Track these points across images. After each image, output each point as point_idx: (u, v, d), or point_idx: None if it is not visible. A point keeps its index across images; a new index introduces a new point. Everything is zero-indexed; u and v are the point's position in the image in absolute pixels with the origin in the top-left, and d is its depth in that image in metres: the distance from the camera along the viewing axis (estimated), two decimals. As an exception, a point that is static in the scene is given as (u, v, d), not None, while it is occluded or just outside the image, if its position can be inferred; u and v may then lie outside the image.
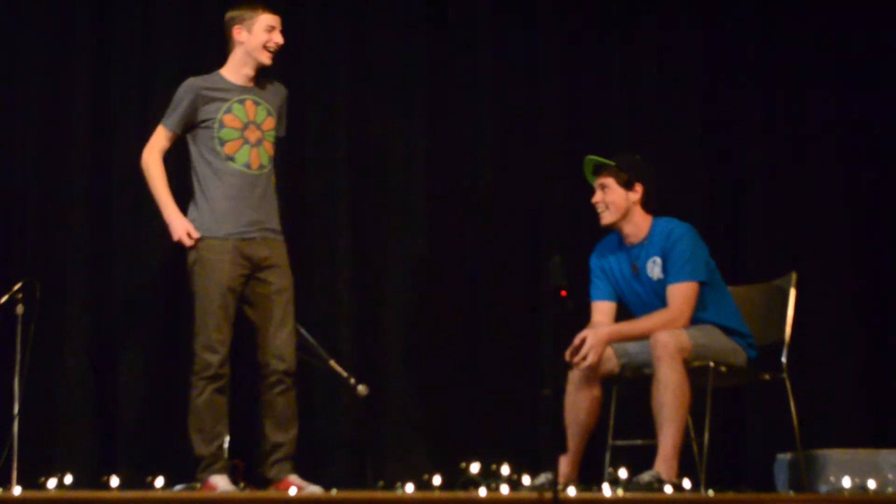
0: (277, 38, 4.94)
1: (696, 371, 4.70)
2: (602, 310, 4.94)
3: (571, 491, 4.23)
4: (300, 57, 5.25)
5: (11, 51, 5.84)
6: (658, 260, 4.83)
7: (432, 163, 6.02)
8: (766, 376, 4.97)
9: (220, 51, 5.88)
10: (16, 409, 4.82)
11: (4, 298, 4.87)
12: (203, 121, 4.89)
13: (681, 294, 4.77)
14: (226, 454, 4.86)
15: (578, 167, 5.00)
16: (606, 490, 4.29)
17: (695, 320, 4.79)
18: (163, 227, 5.76)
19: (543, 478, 4.57)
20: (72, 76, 5.86)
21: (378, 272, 5.92)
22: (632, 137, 6.05)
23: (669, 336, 4.64)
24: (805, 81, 6.20)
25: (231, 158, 4.86)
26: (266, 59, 4.94)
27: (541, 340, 5.90)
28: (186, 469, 5.32)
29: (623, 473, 4.50)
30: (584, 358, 4.68)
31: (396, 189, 5.99)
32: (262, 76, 5.00)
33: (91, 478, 5.24)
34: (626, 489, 4.38)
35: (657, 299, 4.83)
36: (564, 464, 4.75)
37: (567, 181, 5.90)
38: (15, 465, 4.79)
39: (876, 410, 5.92)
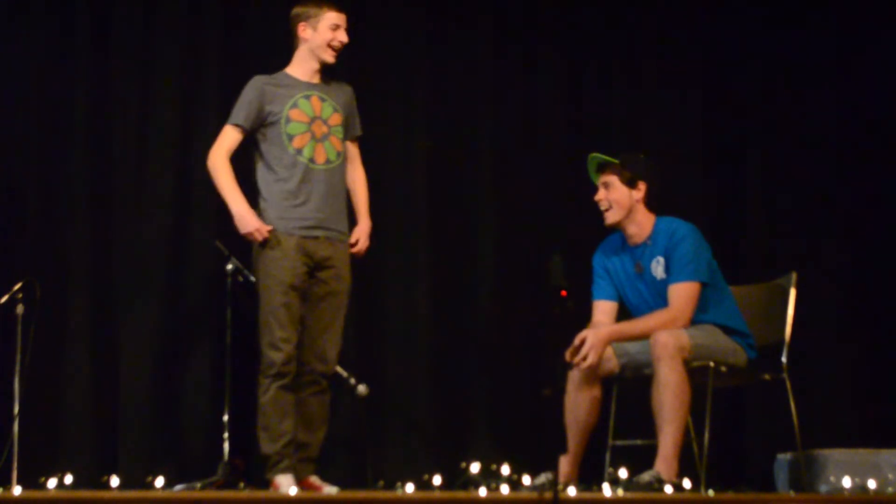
0: (341, 37, 4.92)
1: (696, 371, 4.70)
2: (603, 309, 4.94)
3: (571, 491, 4.23)
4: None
5: (12, 50, 5.83)
6: (662, 260, 4.82)
7: (432, 163, 6.02)
8: (766, 376, 4.97)
9: (220, 49, 5.91)
10: (16, 409, 4.82)
11: (4, 298, 4.88)
12: (270, 116, 4.85)
13: (682, 294, 4.76)
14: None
15: (580, 166, 5.00)
16: (606, 490, 4.29)
17: (695, 320, 4.78)
18: (162, 227, 5.81)
19: (543, 478, 4.56)
20: (72, 76, 5.86)
21: (378, 272, 5.92)
22: (633, 136, 6.04)
23: (669, 336, 4.63)
24: (806, 81, 6.19)
25: (299, 152, 4.84)
26: (329, 57, 4.92)
27: (541, 340, 5.89)
28: (186, 469, 5.33)
29: (623, 473, 4.50)
30: (585, 358, 4.68)
31: (396, 189, 5.99)
32: (327, 74, 4.98)
33: (91, 478, 5.24)
34: (626, 489, 4.38)
35: (660, 299, 4.82)
36: (564, 464, 4.74)
37: (568, 180, 5.90)
38: (15, 465, 4.79)
39: (876, 410, 5.92)
